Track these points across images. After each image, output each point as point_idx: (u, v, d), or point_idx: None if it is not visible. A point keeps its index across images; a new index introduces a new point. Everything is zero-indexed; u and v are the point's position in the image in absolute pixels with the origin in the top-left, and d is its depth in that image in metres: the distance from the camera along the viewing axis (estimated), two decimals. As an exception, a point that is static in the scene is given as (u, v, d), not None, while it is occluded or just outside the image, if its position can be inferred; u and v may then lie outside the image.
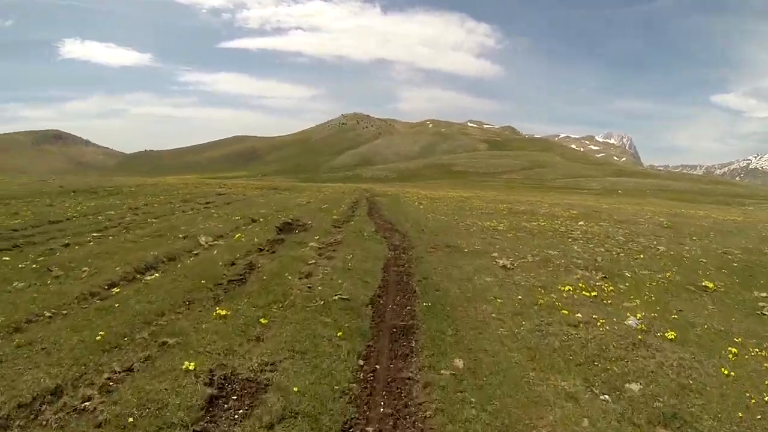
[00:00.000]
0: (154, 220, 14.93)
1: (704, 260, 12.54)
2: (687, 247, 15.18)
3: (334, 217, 16.83)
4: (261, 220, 15.42)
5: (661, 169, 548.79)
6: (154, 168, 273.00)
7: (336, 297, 6.81)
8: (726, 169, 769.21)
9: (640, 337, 5.90)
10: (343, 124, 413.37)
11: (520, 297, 7.53)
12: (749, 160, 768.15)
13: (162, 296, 6.45)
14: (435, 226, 16.36)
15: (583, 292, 7.96)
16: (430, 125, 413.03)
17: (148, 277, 7.50)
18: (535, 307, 6.96)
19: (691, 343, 6.00)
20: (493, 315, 6.63)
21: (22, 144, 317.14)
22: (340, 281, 7.74)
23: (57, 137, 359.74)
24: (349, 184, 69.49)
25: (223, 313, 5.82)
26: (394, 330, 6.08)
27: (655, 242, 15.85)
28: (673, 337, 6.01)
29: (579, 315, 6.61)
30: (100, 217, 14.66)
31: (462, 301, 7.23)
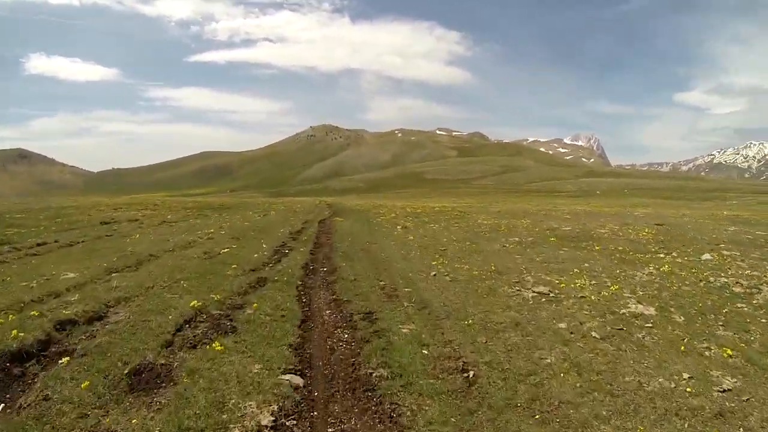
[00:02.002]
0: None
1: None
2: None
3: (197, 302, 6.36)
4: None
5: (629, 167, 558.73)
6: (122, 186, 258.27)
7: None
8: (691, 165, 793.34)
9: None
10: (311, 136, 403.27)
11: None
12: (713, 155, 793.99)
13: None
14: (477, 319, 6.39)
15: None
16: (399, 134, 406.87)
17: None
18: None
19: None
20: None
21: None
22: None
23: (22, 157, 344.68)
24: (312, 198, 59.42)
25: None
26: None
27: None
28: None
29: None
30: None
31: None
